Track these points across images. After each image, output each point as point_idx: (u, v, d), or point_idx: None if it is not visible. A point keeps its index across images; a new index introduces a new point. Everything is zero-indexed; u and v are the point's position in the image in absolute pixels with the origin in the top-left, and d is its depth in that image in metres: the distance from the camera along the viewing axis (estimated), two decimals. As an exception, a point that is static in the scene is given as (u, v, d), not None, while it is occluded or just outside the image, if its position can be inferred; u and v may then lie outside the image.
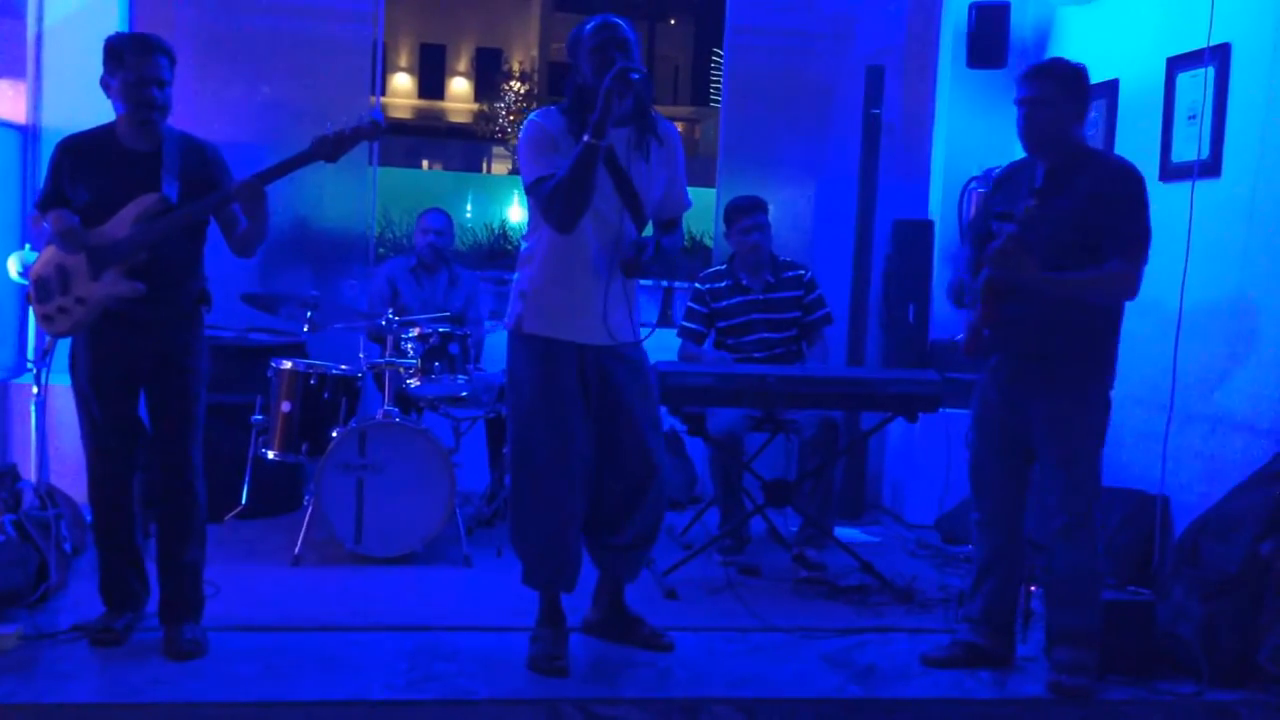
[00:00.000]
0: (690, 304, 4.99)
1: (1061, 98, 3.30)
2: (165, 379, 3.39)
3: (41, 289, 3.32)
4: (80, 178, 3.30)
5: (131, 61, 3.25)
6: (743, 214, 4.86)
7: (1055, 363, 3.34)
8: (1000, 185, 3.53)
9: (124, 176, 3.29)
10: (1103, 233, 3.25)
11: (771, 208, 5.01)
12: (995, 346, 3.39)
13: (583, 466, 3.38)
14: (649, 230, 3.52)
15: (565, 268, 3.34)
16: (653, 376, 3.59)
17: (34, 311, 3.37)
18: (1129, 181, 3.30)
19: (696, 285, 5.00)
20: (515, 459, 3.41)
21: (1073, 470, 3.34)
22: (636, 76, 3.14)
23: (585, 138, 3.15)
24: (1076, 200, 3.25)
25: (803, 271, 4.93)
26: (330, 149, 3.27)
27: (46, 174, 3.37)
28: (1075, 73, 3.34)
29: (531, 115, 3.41)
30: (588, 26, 3.31)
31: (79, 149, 3.34)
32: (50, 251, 3.32)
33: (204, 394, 3.46)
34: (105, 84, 3.31)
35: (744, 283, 4.88)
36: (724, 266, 4.99)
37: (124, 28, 5.18)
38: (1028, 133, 3.33)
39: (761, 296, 4.86)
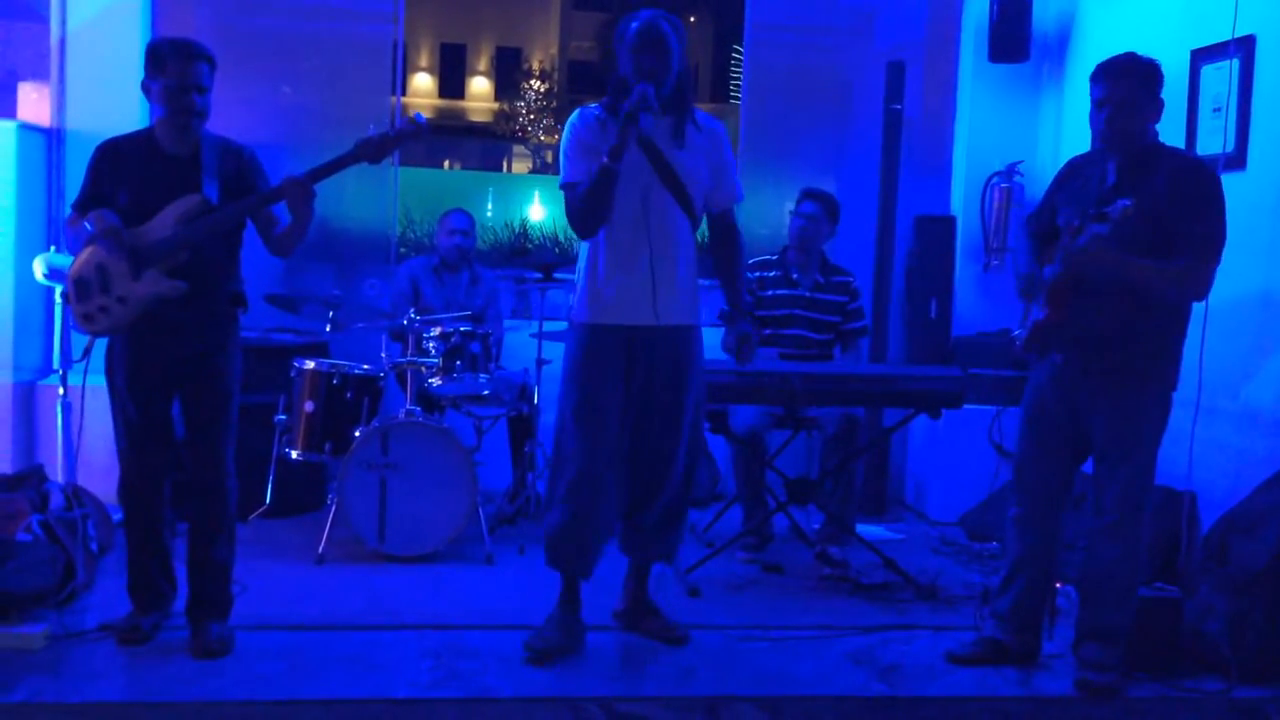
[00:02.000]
0: None
1: (1144, 97, 3.24)
2: (200, 380, 3.41)
3: (81, 288, 3.33)
4: (119, 180, 3.32)
5: (173, 67, 3.27)
6: (805, 198, 4.90)
7: (1122, 364, 3.29)
8: (1067, 179, 3.47)
9: (163, 180, 3.31)
10: (1175, 231, 3.19)
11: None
12: (1059, 346, 3.35)
13: (619, 452, 3.45)
14: (704, 230, 3.58)
15: (615, 256, 3.40)
16: (699, 361, 3.57)
17: (73, 310, 3.38)
18: (1203, 179, 3.25)
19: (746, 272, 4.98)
20: (554, 444, 3.51)
21: (1130, 470, 3.31)
22: (648, 115, 3.27)
23: (604, 160, 3.25)
24: (1150, 198, 3.18)
25: (851, 279, 4.93)
26: (374, 151, 3.30)
27: (85, 176, 3.39)
28: (1155, 70, 3.27)
29: (575, 112, 3.50)
30: (633, 25, 3.36)
31: (118, 152, 3.37)
32: (90, 251, 3.33)
33: (237, 395, 3.48)
34: (146, 88, 3.33)
35: (794, 276, 4.88)
36: (775, 256, 4.98)
37: (146, 31, 5.21)
38: (1110, 134, 3.25)
39: (808, 294, 4.86)
